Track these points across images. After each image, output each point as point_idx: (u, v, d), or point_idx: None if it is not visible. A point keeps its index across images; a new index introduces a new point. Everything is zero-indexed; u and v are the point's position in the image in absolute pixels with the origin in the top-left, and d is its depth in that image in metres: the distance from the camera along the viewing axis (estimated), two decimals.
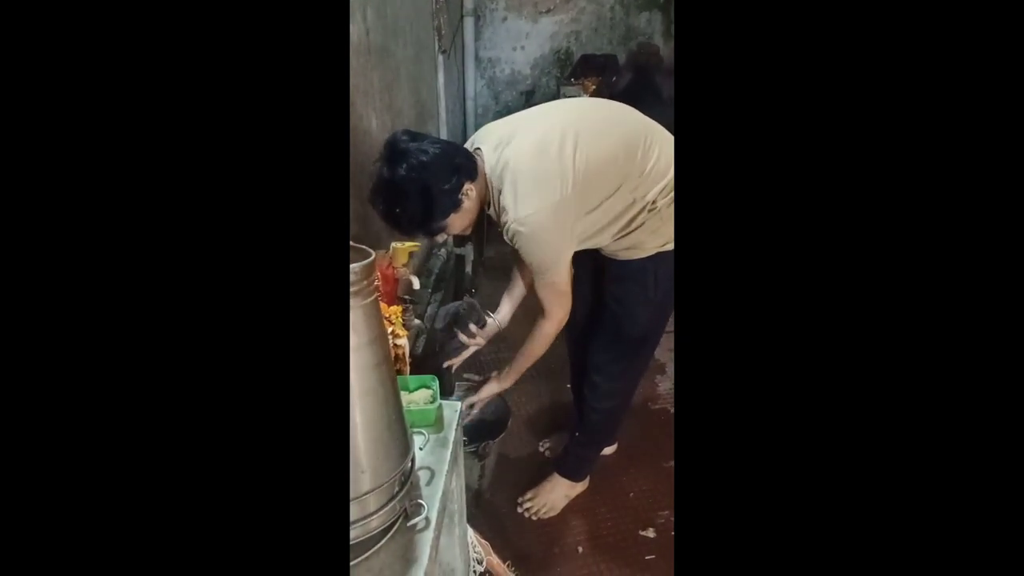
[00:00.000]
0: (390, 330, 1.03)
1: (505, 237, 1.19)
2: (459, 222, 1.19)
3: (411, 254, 1.26)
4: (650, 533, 1.55)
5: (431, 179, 1.09)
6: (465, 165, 1.15)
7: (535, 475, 1.68)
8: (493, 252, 3.04)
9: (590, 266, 1.42)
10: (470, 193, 1.16)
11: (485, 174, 1.18)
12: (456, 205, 1.15)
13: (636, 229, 1.24)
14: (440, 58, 2.43)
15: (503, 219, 1.16)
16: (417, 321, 1.25)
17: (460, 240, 2.70)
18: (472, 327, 1.41)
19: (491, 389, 1.43)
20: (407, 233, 1.18)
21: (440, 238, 1.23)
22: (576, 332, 1.58)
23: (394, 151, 1.09)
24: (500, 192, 1.16)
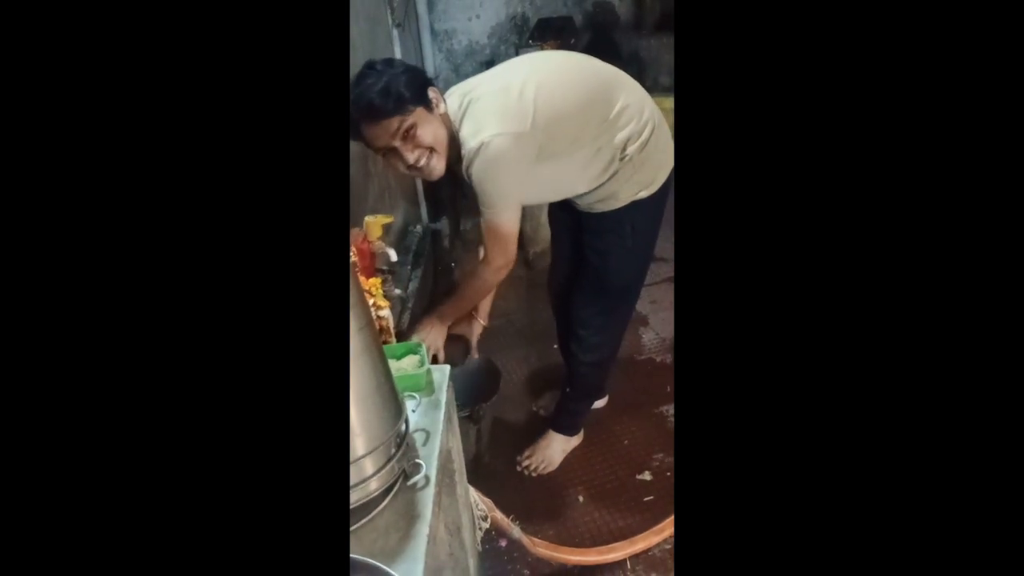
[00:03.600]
0: (371, 302, 1.04)
1: (464, 175, 1.17)
2: (428, 128, 1.13)
3: (385, 227, 1.27)
4: (647, 476, 1.60)
5: (396, 77, 1.09)
6: (431, 88, 1.15)
7: (531, 434, 1.72)
8: (470, 225, 3.03)
9: (568, 223, 1.44)
10: (439, 104, 1.16)
11: (449, 119, 1.18)
12: (425, 100, 1.13)
13: (610, 179, 1.26)
14: (395, 32, 2.38)
15: (464, 153, 1.15)
16: (398, 291, 1.25)
17: (436, 214, 2.69)
18: None
19: (432, 332, 1.33)
20: (380, 111, 1.08)
21: (410, 157, 1.13)
22: (559, 289, 1.60)
23: (359, 75, 1.11)
24: (460, 131, 1.16)
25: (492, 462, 1.65)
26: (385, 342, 1.03)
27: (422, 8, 3.30)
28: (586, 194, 1.29)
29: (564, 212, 1.33)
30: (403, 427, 0.76)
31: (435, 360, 1.33)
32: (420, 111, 1.11)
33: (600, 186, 1.27)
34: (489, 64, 3.65)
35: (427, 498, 0.76)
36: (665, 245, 1.49)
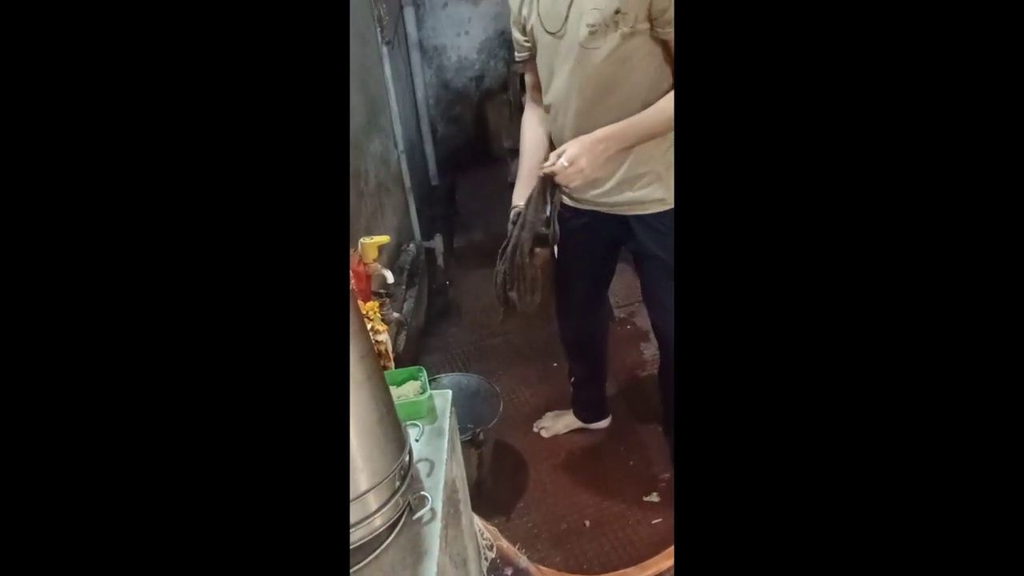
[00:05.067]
0: (369, 326, 1.00)
1: None
2: None
3: (380, 248, 1.23)
4: (655, 497, 1.56)
5: None
6: None
7: (533, 456, 1.68)
8: (463, 242, 3.00)
9: (604, 242, 1.41)
10: None
11: None
12: None
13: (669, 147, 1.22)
14: (384, 50, 2.37)
15: None
16: (396, 315, 1.21)
17: (428, 232, 2.66)
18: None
19: (601, 156, 1.13)
20: None
21: None
22: (583, 331, 1.62)
23: None
24: None
25: (495, 487, 1.60)
26: (384, 368, 0.99)
27: (411, 26, 3.31)
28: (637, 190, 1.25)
29: (602, 230, 1.29)
30: (407, 458, 0.72)
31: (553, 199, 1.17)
32: None
33: (650, 184, 1.24)
34: (479, 79, 3.68)
35: (434, 532, 0.72)
36: None
